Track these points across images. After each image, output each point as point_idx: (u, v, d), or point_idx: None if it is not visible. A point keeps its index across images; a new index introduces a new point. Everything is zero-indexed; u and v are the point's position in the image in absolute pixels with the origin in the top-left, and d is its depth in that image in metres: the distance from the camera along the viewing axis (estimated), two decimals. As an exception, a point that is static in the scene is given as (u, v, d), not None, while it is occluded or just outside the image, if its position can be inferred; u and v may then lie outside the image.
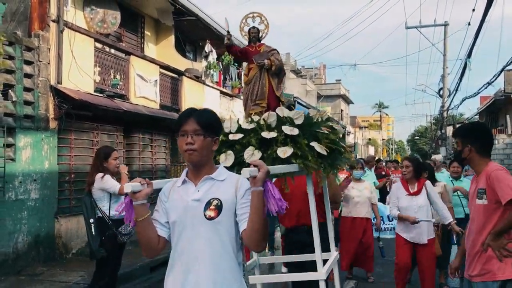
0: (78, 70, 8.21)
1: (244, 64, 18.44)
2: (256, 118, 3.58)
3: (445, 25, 27.45)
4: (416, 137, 62.14)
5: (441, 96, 28.79)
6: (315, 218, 3.42)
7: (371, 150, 52.33)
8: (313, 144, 3.28)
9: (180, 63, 12.92)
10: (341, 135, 3.77)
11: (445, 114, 29.19)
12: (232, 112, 15.23)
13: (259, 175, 2.10)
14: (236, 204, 2.21)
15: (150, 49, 12.92)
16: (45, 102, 7.61)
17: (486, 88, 17.70)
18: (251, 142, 3.31)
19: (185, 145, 2.22)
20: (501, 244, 3.03)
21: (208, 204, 2.20)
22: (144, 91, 10.35)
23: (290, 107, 23.35)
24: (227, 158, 3.36)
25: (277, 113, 3.46)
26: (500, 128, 24.51)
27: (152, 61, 10.88)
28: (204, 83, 13.29)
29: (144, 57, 10.64)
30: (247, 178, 2.17)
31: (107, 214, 5.01)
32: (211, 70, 13.86)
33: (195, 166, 2.27)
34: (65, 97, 7.75)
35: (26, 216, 7.20)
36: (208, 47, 14.07)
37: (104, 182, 4.97)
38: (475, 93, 19.10)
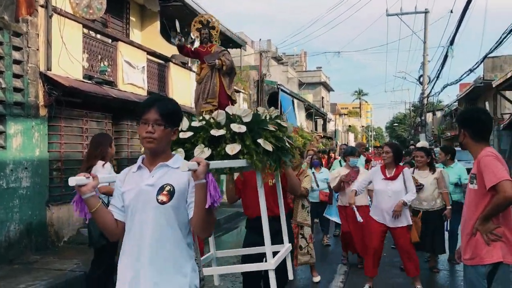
0: (68, 56, 8.06)
1: (230, 50, 18.39)
2: (207, 116, 3.65)
3: (426, 12, 27.70)
4: (395, 124, 62.88)
5: (421, 83, 29.15)
6: (264, 210, 3.51)
7: (351, 137, 52.81)
8: (259, 141, 3.38)
9: (166, 49, 12.78)
10: (290, 133, 3.87)
11: (425, 101, 29.60)
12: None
13: (199, 169, 2.13)
14: (186, 192, 2.29)
15: (136, 35, 12.77)
16: (35, 89, 7.48)
17: (468, 75, 17.98)
18: (200, 140, 3.38)
19: (145, 133, 2.28)
20: (488, 229, 3.10)
21: (161, 189, 2.27)
22: (132, 77, 10.24)
23: (274, 95, 23.36)
24: (176, 154, 3.42)
25: (226, 112, 3.53)
26: (479, 114, 24.94)
27: (139, 47, 10.75)
28: (190, 70, 13.19)
29: (132, 43, 10.50)
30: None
31: (106, 202, 4.97)
32: (197, 57, 13.77)
33: (152, 154, 2.34)
34: (55, 83, 7.62)
35: (17, 205, 7.10)
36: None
37: (106, 170, 4.94)
38: (456, 80, 19.42)
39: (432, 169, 6.47)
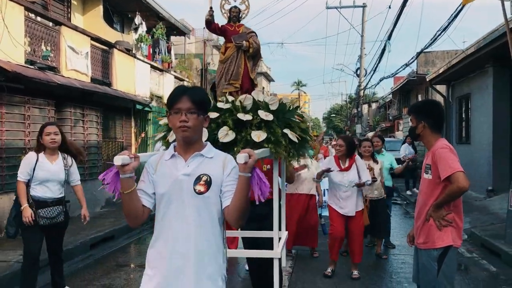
0: (10, 40, 7.71)
1: (174, 38, 18.14)
2: (230, 98, 3.63)
3: (364, 6, 28.60)
4: (332, 115, 64.52)
5: (358, 75, 30.12)
6: (277, 200, 3.61)
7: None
8: (286, 131, 3.40)
9: (109, 35, 12.51)
10: (308, 125, 3.92)
11: (361, 93, 30.62)
12: (162, 87, 15.02)
13: (250, 162, 2.18)
14: (222, 181, 2.30)
15: (77, 19, 12.38)
16: (-26, 73, 7.12)
17: (404, 69, 18.78)
18: (227, 122, 3.37)
19: (179, 122, 2.27)
20: (440, 215, 3.33)
21: (198, 179, 2.28)
22: (75, 63, 9.93)
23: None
24: (208, 142, 3.44)
25: (253, 97, 3.53)
26: (411, 107, 26.12)
27: (83, 32, 10.43)
28: (135, 57, 12.95)
29: (76, 28, 10.16)
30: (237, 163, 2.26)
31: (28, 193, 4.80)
32: (142, 43, 13.53)
33: (186, 143, 2.33)
34: (-4, 68, 7.28)
35: (-44, 195, 6.77)
36: (138, 19, 13.71)
37: (23, 160, 4.84)
38: (393, 74, 20.25)
39: (375, 160, 6.85)
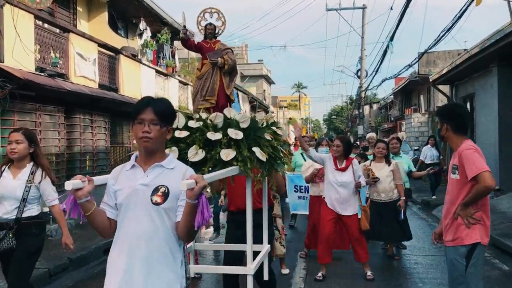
0: (22, 48, 7.78)
1: (177, 42, 18.18)
2: (204, 115, 3.64)
3: (363, 8, 28.74)
4: (333, 116, 64.63)
5: (359, 77, 30.19)
6: (250, 215, 3.54)
7: (292, 129, 53.67)
8: (254, 149, 3.41)
9: (115, 40, 12.58)
10: (283, 140, 3.93)
11: (362, 94, 30.68)
12: (167, 92, 15.08)
13: (195, 190, 2.13)
14: (179, 194, 2.31)
15: (83, 25, 12.44)
16: (-13, 81, 7.18)
17: (407, 70, 18.86)
18: (195, 142, 3.37)
19: (141, 132, 2.30)
20: (468, 213, 3.47)
21: (156, 190, 2.30)
22: (84, 70, 10.00)
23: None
24: (171, 152, 3.37)
25: (224, 114, 3.54)
26: (414, 107, 26.22)
27: (91, 38, 10.50)
28: (140, 62, 13.02)
29: (84, 35, 10.23)
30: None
31: None
32: (147, 49, 13.60)
33: (147, 153, 2.37)
34: (8, 76, 7.34)
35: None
36: (142, 25, 13.78)
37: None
38: (395, 74, 20.31)
39: (388, 162, 6.75)
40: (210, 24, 5.21)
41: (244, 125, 3.49)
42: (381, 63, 21.37)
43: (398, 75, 21.08)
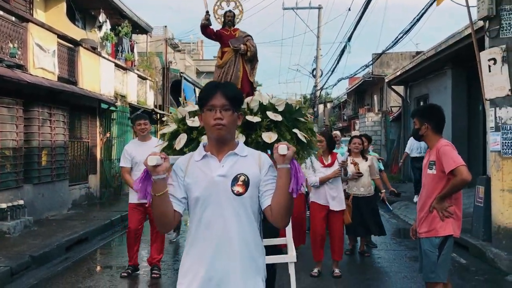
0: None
1: (136, 36, 17.86)
2: None
3: (319, 8, 29.16)
4: (287, 114, 65.14)
5: (314, 76, 30.66)
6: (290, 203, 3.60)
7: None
8: (295, 131, 3.41)
9: (73, 32, 12.22)
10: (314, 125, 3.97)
11: (317, 93, 31.17)
12: (126, 86, 14.80)
13: (289, 153, 2.07)
14: (260, 181, 2.20)
15: (39, 15, 12.01)
16: None
17: (364, 70, 19.31)
18: None
19: (213, 120, 2.15)
20: (443, 207, 3.70)
21: (235, 179, 2.16)
22: (43, 62, 9.66)
23: (177, 83, 23.11)
24: (240, 140, 3.34)
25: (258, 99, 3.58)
26: (367, 107, 26.90)
27: (50, 29, 10.14)
28: (100, 55, 12.70)
29: (43, 25, 9.87)
30: (272, 156, 2.19)
31: None
32: (107, 41, 13.29)
33: (220, 141, 2.21)
34: (-34, 66, 7.01)
35: None
36: (102, 17, 13.45)
37: None
38: (351, 74, 20.81)
39: (364, 157, 6.89)
40: (230, 11, 5.07)
41: (280, 108, 3.47)
42: (337, 62, 21.82)
43: (355, 75, 21.59)
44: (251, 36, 5.05)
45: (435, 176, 3.73)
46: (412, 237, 4.04)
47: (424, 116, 3.87)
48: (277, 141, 3.29)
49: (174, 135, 3.78)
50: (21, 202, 8.50)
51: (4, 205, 8.02)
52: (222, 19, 5.03)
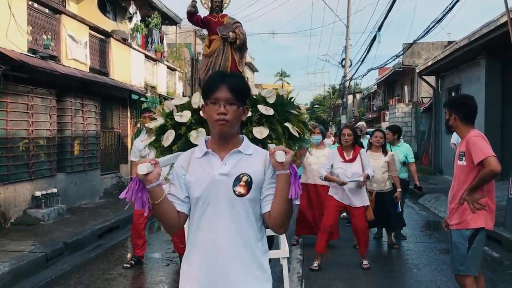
0: (17, 28, 7.62)
1: (165, 28, 18.01)
2: None
3: (349, -3, 28.79)
4: (316, 105, 64.85)
5: (343, 66, 30.33)
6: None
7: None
8: (287, 125, 3.27)
9: (104, 24, 12.39)
10: (306, 116, 3.82)
11: (347, 84, 30.87)
12: (156, 77, 14.96)
13: (287, 159, 1.96)
14: (263, 182, 2.07)
15: (72, 7, 12.22)
16: (-19, 62, 7.03)
17: (394, 60, 19.00)
18: None
19: (216, 114, 2.01)
20: (474, 198, 3.63)
21: (238, 179, 2.03)
22: (75, 53, 9.86)
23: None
24: (198, 136, 3.30)
25: None
26: (397, 97, 26.50)
27: (82, 21, 10.32)
28: (130, 46, 12.87)
29: (75, 17, 10.06)
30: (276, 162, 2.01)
31: None
32: (138, 33, 13.44)
33: (223, 138, 2.08)
34: (2, 57, 7.18)
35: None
36: (132, 8, 13.62)
37: None
38: (381, 64, 20.45)
39: (385, 152, 6.70)
40: None
41: (271, 100, 3.35)
42: (367, 52, 21.53)
43: (385, 65, 21.26)
44: (240, 23, 4.76)
45: (465, 167, 3.68)
46: (445, 229, 3.98)
47: (453, 106, 3.82)
48: (269, 136, 3.16)
49: (161, 130, 3.66)
50: (55, 190, 8.72)
51: (38, 193, 8.26)
52: (209, 5, 4.75)
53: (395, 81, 28.84)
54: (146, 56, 14.15)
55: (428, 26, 12.97)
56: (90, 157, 10.51)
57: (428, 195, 11.48)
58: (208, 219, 2.05)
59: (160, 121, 3.68)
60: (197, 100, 3.47)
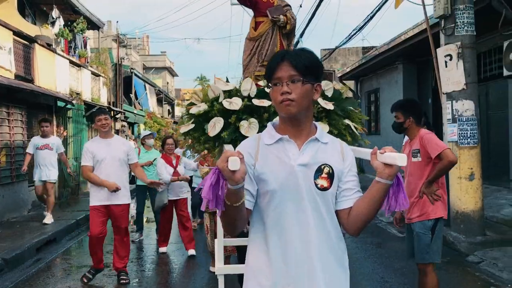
0: None
1: (87, 32, 17.46)
2: (263, 83, 3.13)
3: (268, 4, 29.49)
4: (235, 109, 65.27)
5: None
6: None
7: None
8: (348, 122, 2.99)
9: (27, 28, 11.83)
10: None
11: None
12: (80, 83, 14.50)
13: (396, 168, 1.67)
14: (341, 175, 1.86)
15: (-11, 11, 11.54)
16: None
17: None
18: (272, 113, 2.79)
19: (280, 95, 1.78)
20: (432, 191, 4.00)
21: (319, 171, 1.80)
22: (0, 59, 9.36)
23: (127, 79, 22.73)
24: (250, 126, 3.02)
25: None
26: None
27: (6, 25, 9.81)
28: (55, 52, 12.39)
29: (-1, 22, 9.57)
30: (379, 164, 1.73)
31: None
32: (62, 38, 12.97)
33: (294, 121, 1.84)
34: None
35: None
36: (55, 13, 13.12)
37: None
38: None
39: None
40: None
41: (329, 93, 3.03)
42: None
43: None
44: (290, 6, 4.29)
45: (421, 163, 4.02)
46: (396, 226, 4.36)
47: (408, 110, 4.16)
48: (330, 132, 2.81)
49: (204, 117, 3.24)
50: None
51: None
52: None
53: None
54: (71, 62, 13.67)
55: (350, 33, 13.75)
56: (17, 168, 10.00)
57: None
58: (288, 215, 1.79)
59: (203, 106, 3.25)
60: (247, 87, 3.15)
